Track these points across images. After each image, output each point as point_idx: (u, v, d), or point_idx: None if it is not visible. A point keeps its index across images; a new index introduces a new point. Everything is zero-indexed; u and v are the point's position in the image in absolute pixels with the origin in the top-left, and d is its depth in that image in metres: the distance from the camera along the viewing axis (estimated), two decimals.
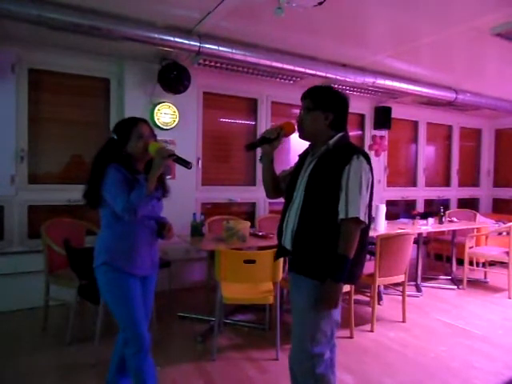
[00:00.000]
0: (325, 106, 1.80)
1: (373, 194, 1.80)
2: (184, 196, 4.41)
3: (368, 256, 4.28)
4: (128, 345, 1.99)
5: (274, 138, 1.88)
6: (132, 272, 1.96)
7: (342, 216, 1.68)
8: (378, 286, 3.77)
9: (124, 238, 1.96)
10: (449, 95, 5.12)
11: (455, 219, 5.09)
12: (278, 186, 2.00)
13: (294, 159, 2.09)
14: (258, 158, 2.01)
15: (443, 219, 4.74)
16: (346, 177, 1.69)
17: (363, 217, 1.68)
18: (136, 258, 1.98)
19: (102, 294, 2.03)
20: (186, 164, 1.93)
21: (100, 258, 1.97)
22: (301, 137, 1.88)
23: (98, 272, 1.98)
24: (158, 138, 4.40)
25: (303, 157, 1.94)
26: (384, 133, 5.95)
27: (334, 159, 1.75)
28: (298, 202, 1.79)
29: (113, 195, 1.87)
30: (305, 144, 1.95)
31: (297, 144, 2.06)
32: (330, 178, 1.72)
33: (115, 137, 2.00)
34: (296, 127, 1.90)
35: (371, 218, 1.84)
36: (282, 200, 2.00)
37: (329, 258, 1.69)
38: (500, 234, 5.25)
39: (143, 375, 2.01)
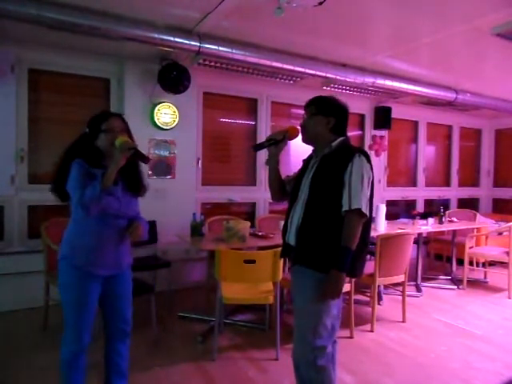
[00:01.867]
0: (327, 112, 1.93)
1: (373, 193, 1.90)
2: (184, 196, 4.42)
3: (368, 256, 4.30)
4: (65, 344, 1.95)
5: (280, 140, 2.00)
6: (91, 271, 1.92)
7: (345, 208, 1.78)
8: (378, 286, 3.77)
9: (86, 234, 1.92)
10: (449, 95, 5.13)
11: (455, 219, 5.09)
12: (284, 188, 2.09)
13: (295, 162, 2.14)
14: (263, 160, 2.06)
15: (443, 219, 4.74)
16: (349, 174, 1.80)
17: (365, 209, 1.78)
18: (97, 256, 1.93)
19: (58, 287, 1.98)
20: (143, 159, 1.94)
21: (61, 251, 1.95)
22: (304, 140, 2.00)
23: (59, 265, 1.96)
24: (159, 137, 4.48)
25: (307, 161, 2.04)
26: (384, 133, 5.96)
27: (336, 159, 1.86)
28: (303, 199, 1.89)
29: (72, 190, 1.86)
30: (306, 147, 2.04)
31: (298, 147, 2.10)
32: (334, 176, 1.83)
33: (87, 131, 1.98)
34: (300, 131, 2.00)
35: (372, 217, 1.93)
36: (285, 202, 2.08)
37: (332, 250, 1.77)
38: (500, 233, 5.25)
39: (69, 374, 1.97)
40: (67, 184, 1.88)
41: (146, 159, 1.94)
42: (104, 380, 2.17)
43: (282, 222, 2.05)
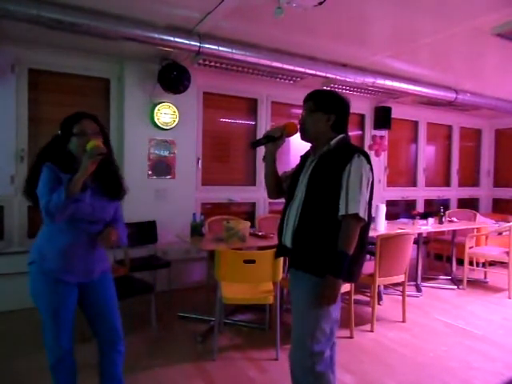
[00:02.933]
0: (327, 108, 1.84)
1: (373, 194, 1.82)
2: (184, 196, 4.42)
3: (368, 256, 4.29)
4: (47, 349, 1.92)
5: (278, 137, 1.91)
6: (60, 277, 1.85)
7: (342, 212, 1.70)
8: (378, 286, 3.77)
9: (56, 239, 1.85)
10: (449, 95, 5.12)
11: (455, 219, 5.09)
12: (281, 186, 2.02)
13: (294, 160, 2.09)
14: (262, 157, 2.01)
15: (443, 219, 4.74)
16: (347, 175, 1.72)
17: (363, 214, 1.70)
18: (66, 263, 1.85)
19: (30, 293, 1.90)
20: (110, 165, 1.88)
21: (31, 255, 1.89)
22: (302, 138, 1.91)
23: (29, 269, 1.89)
24: (159, 137, 4.48)
25: (305, 158, 1.97)
26: (384, 133, 5.96)
27: (335, 158, 1.78)
28: (299, 199, 1.83)
29: (40, 195, 1.77)
30: (305, 145, 1.97)
31: (298, 145, 2.06)
32: (331, 176, 1.75)
33: (59, 133, 1.89)
34: (298, 128, 1.93)
35: (371, 218, 1.87)
36: (282, 200, 2.01)
37: (329, 254, 1.71)
38: (500, 233, 5.25)
39: (57, 377, 1.95)
40: (37, 189, 1.80)
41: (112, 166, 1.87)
42: None
43: None
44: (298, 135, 1.94)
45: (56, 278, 1.85)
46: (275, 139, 1.92)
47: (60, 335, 1.89)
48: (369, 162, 1.79)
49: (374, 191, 1.84)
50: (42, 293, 1.87)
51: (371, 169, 1.80)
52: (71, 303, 1.92)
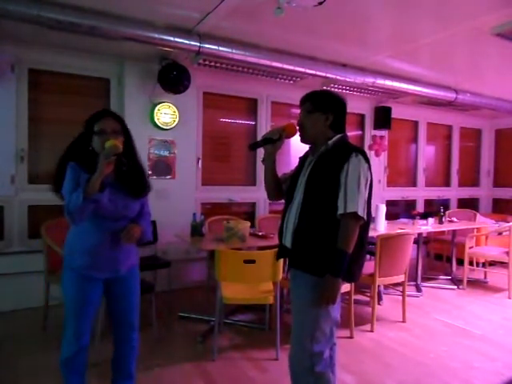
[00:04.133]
0: (325, 108, 1.84)
1: (371, 193, 1.82)
2: (184, 196, 4.42)
3: (368, 256, 4.30)
4: (65, 344, 1.95)
5: (277, 139, 1.90)
6: (88, 274, 1.90)
7: (340, 211, 1.71)
8: (378, 286, 3.76)
9: (83, 237, 1.89)
10: (449, 95, 5.13)
11: (455, 219, 5.09)
12: (280, 187, 2.02)
13: (294, 161, 2.09)
14: (261, 159, 2.00)
15: (443, 219, 4.74)
16: (345, 174, 1.72)
17: (362, 212, 1.70)
18: (93, 259, 1.89)
19: (61, 288, 1.97)
20: (121, 166, 1.85)
21: (63, 254, 1.97)
22: (302, 140, 1.91)
23: (63, 267, 1.97)
24: (159, 137, 4.48)
25: (304, 159, 1.97)
26: (384, 133, 5.95)
27: (333, 158, 1.78)
28: (299, 200, 1.83)
29: (63, 195, 1.81)
30: (305, 146, 1.96)
31: (298, 146, 2.06)
32: (329, 176, 1.75)
33: (83, 131, 1.92)
34: (297, 129, 1.92)
35: (370, 217, 1.86)
36: (282, 201, 2.01)
37: (328, 253, 1.71)
38: (500, 233, 5.25)
39: (68, 373, 1.97)
40: (62, 188, 1.83)
41: (124, 167, 1.85)
42: (111, 380, 2.16)
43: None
44: (297, 137, 1.93)
45: (83, 275, 1.90)
46: (274, 141, 1.90)
47: (80, 330, 1.93)
48: (367, 160, 1.79)
49: (372, 190, 1.84)
50: (69, 288, 1.93)
51: (369, 168, 1.80)
52: (95, 300, 1.97)
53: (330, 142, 1.82)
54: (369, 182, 1.78)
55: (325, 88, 4.61)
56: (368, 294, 3.64)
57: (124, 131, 1.95)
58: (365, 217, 1.73)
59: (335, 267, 1.69)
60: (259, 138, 2.01)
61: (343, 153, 1.77)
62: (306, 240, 1.78)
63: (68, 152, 1.92)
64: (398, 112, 5.86)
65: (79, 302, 1.92)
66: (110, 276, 1.98)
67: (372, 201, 1.85)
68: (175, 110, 4.28)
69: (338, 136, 1.85)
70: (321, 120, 1.83)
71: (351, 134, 5.67)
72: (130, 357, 2.13)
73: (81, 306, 1.93)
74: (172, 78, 3.96)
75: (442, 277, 5.16)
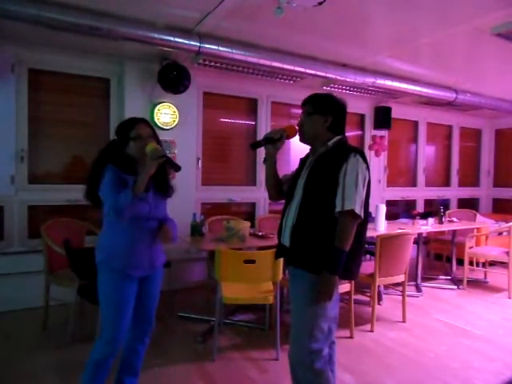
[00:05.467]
0: (324, 110, 1.89)
1: (369, 193, 1.86)
2: (184, 196, 4.40)
3: (368, 256, 4.30)
4: (101, 345, 1.97)
5: (278, 139, 1.95)
6: (128, 273, 1.96)
7: (338, 209, 1.74)
8: (378, 286, 3.77)
9: (121, 237, 1.97)
10: (449, 95, 5.13)
11: (455, 219, 5.09)
12: (281, 188, 2.06)
13: (294, 162, 2.12)
14: (262, 159, 2.04)
15: (443, 219, 4.74)
16: (343, 173, 1.77)
17: (359, 210, 1.74)
18: (132, 258, 1.98)
19: (98, 291, 2.02)
20: (176, 168, 1.95)
21: (98, 256, 2.01)
22: (301, 140, 1.97)
23: (97, 269, 2.01)
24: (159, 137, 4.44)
25: (304, 160, 2.01)
26: (384, 133, 5.95)
27: (332, 158, 1.83)
28: (298, 199, 1.87)
29: (104, 195, 1.91)
30: (305, 146, 2.01)
31: (298, 146, 2.08)
32: (328, 175, 1.79)
33: (116, 138, 2.04)
34: (297, 130, 1.97)
35: (368, 216, 1.90)
36: (283, 201, 2.04)
37: (326, 251, 1.74)
38: (500, 234, 5.25)
39: (97, 374, 1.97)
40: (100, 190, 1.92)
41: (177, 168, 1.95)
42: (115, 377, 2.18)
43: None
44: (297, 137, 1.98)
45: (123, 274, 1.96)
46: (275, 141, 1.96)
47: (120, 331, 1.97)
48: (365, 160, 1.84)
49: (371, 190, 1.87)
50: (109, 289, 1.98)
51: (367, 168, 1.84)
52: (133, 299, 2.03)
53: (329, 143, 1.87)
54: (367, 182, 1.82)
55: (326, 89, 4.63)
56: (368, 294, 3.64)
57: (154, 135, 2.07)
58: (362, 215, 1.76)
59: (332, 264, 1.72)
60: (259, 137, 2.04)
61: (342, 153, 1.82)
62: (303, 238, 1.82)
63: (102, 158, 2.02)
64: (398, 112, 5.85)
65: (120, 302, 1.97)
66: (146, 273, 2.06)
67: (370, 200, 1.89)
68: (175, 110, 4.28)
69: (338, 137, 1.90)
70: (320, 122, 1.89)
71: (351, 134, 5.67)
72: (141, 353, 2.19)
73: (122, 307, 1.97)
74: (172, 77, 3.96)
75: (441, 277, 5.16)
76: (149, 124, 2.07)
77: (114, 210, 1.85)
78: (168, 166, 1.98)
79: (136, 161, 1.99)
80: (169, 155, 1.95)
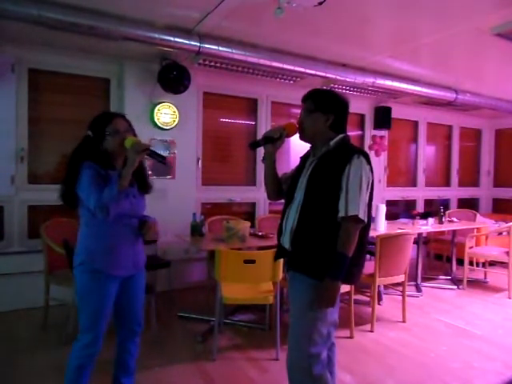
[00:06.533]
0: (325, 108, 1.81)
1: (373, 195, 1.81)
2: (184, 196, 4.42)
3: (368, 256, 4.29)
4: (81, 347, 1.93)
5: (277, 138, 1.89)
6: (111, 273, 1.91)
7: (341, 214, 1.69)
8: (378, 286, 3.76)
9: (103, 237, 1.91)
10: (449, 95, 5.13)
11: (455, 219, 5.09)
12: (280, 187, 2.01)
13: (294, 161, 2.08)
14: (261, 158, 1.99)
15: (443, 219, 4.74)
16: (346, 176, 1.70)
17: (363, 215, 1.69)
18: (116, 257, 1.93)
19: (76, 293, 1.96)
20: (161, 159, 1.90)
21: (78, 257, 1.93)
22: (301, 138, 1.89)
23: (76, 271, 1.94)
24: (159, 137, 4.48)
25: (304, 159, 1.95)
26: (384, 133, 5.95)
27: (334, 159, 1.76)
28: (299, 201, 1.81)
29: (86, 193, 1.83)
30: (305, 145, 1.95)
31: (298, 145, 2.05)
32: (331, 178, 1.73)
33: (91, 134, 1.95)
34: (297, 128, 1.90)
35: (371, 218, 1.85)
36: (282, 201, 2.00)
37: (327, 256, 1.70)
38: (500, 233, 5.25)
39: (79, 379, 1.94)
40: (79, 188, 1.85)
41: (163, 159, 1.91)
42: (112, 377, 2.18)
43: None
44: (297, 136, 1.92)
45: (105, 275, 1.90)
46: (274, 140, 1.89)
47: (99, 335, 1.94)
48: (369, 162, 1.77)
49: (374, 192, 1.82)
50: (88, 292, 1.92)
51: (371, 169, 1.78)
52: (112, 300, 1.98)
53: (331, 143, 1.80)
54: (370, 184, 1.76)
55: (327, 87, 4.62)
56: (368, 294, 3.64)
57: (131, 129, 2.02)
58: (365, 220, 1.72)
59: (335, 271, 1.68)
60: (259, 137, 2.00)
61: (345, 154, 1.75)
62: (305, 242, 1.77)
63: (77, 154, 1.95)
64: (398, 112, 5.86)
65: (101, 305, 1.92)
66: (129, 273, 2.01)
67: (373, 202, 1.84)
68: (175, 110, 4.28)
69: (340, 136, 1.82)
70: (321, 120, 1.81)
71: (351, 134, 5.63)
72: (134, 353, 2.16)
73: (102, 308, 1.92)
74: (172, 77, 3.96)
75: (441, 277, 5.16)
76: (125, 118, 2.02)
77: (99, 208, 1.77)
78: (154, 159, 1.91)
79: (113, 156, 1.94)
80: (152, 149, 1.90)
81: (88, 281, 1.91)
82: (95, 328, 1.92)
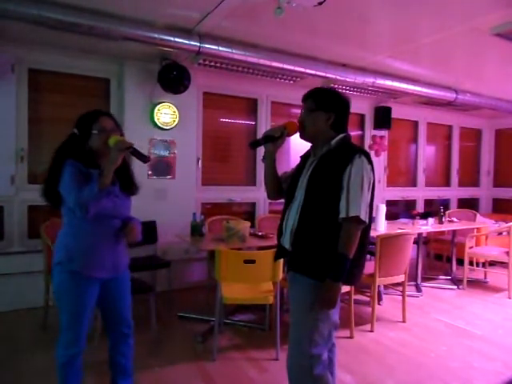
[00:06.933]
0: (327, 107, 1.80)
1: (374, 194, 1.80)
2: (184, 196, 4.42)
3: (368, 256, 4.29)
4: (62, 347, 1.92)
5: (278, 137, 1.88)
6: (89, 274, 1.88)
7: (342, 215, 1.67)
8: (378, 286, 3.76)
9: (82, 236, 1.88)
10: (449, 95, 5.13)
11: (455, 219, 5.09)
12: (280, 186, 1.99)
13: (294, 160, 2.07)
14: (261, 157, 1.98)
15: (443, 219, 4.74)
16: (348, 176, 1.69)
17: (364, 216, 1.68)
18: (94, 258, 1.90)
19: (54, 292, 1.95)
20: (143, 158, 1.88)
21: (56, 256, 1.91)
22: (302, 137, 1.88)
23: (53, 271, 1.92)
24: (159, 137, 4.48)
25: (305, 158, 1.94)
26: (384, 133, 5.95)
27: (335, 159, 1.75)
28: (299, 201, 1.79)
29: (66, 191, 1.81)
30: (306, 145, 1.94)
31: (298, 144, 2.04)
32: (332, 178, 1.72)
33: (76, 132, 1.94)
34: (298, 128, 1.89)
35: (372, 219, 1.84)
36: (282, 200, 1.99)
37: (328, 257, 1.69)
38: (500, 234, 5.25)
39: (66, 378, 1.94)
40: (60, 185, 1.84)
41: (145, 158, 1.89)
42: (110, 380, 2.17)
43: None
44: (297, 135, 1.90)
45: (84, 276, 1.88)
46: (275, 139, 1.88)
47: (80, 335, 1.92)
48: (370, 161, 1.75)
49: (374, 192, 1.81)
50: (66, 293, 1.90)
51: (372, 169, 1.76)
52: (93, 301, 1.96)
53: (332, 142, 1.78)
54: (371, 184, 1.75)
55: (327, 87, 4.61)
56: (368, 294, 3.63)
57: (118, 128, 2.00)
58: (367, 220, 1.71)
59: (336, 272, 1.67)
60: (259, 137, 2.00)
61: (346, 154, 1.73)
62: (305, 242, 1.76)
63: (61, 152, 1.93)
64: (398, 112, 5.86)
65: (80, 304, 1.90)
66: (110, 275, 1.97)
67: (374, 202, 1.82)
68: (175, 110, 4.28)
69: (341, 136, 1.81)
70: (322, 119, 1.80)
71: (351, 134, 5.66)
72: (128, 354, 2.14)
73: (82, 309, 1.90)
74: (172, 78, 3.96)
75: (441, 277, 5.16)
76: (112, 117, 2.00)
77: (79, 206, 1.75)
78: (137, 157, 1.88)
79: (97, 154, 1.91)
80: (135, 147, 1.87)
81: (66, 281, 1.88)
82: (76, 328, 1.90)
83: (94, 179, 1.78)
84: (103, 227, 1.91)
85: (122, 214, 1.99)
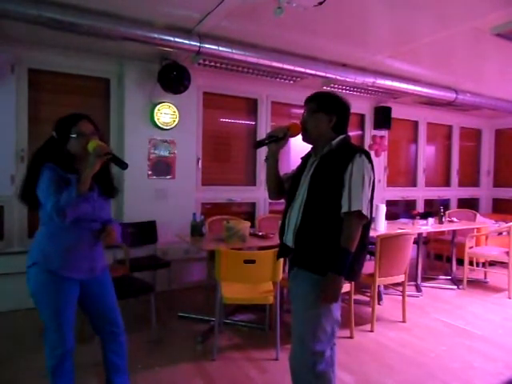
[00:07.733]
0: (328, 109, 1.86)
1: (374, 193, 1.84)
2: (184, 196, 4.42)
3: (368, 256, 4.30)
4: (50, 349, 1.92)
5: (281, 137, 1.93)
6: (65, 275, 1.87)
7: (344, 210, 1.72)
8: (378, 286, 3.77)
9: (59, 238, 1.87)
10: (449, 95, 5.13)
11: (455, 219, 5.09)
12: (282, 186, 2.03)
13: (295, 161, 2.10)
14: (263, 159, 2.01)
15: (443, 219, 4.74)
16: (349, 174, 1.74)
17: (366, 211, 1.72)
18: (71, 260, 1.89)
19: (31, 294, 1.91)
20: (121, 165, 1.87)
21: (32, 257, 1.89)
22: (304, 139, 1.93)
23: (28, 272, 1.90)
24: (159, 137, 4.48)
25: (306, 159, 1.98)
26: (384, 133, 5.96)
27: (336, 158, 1.80)
28: (301, 199, 1.83)
29: (44, 195, 1.79)
30: (305, 146, 1.98)
31: (298, 146, 2.07)
32: (333, 176, 1.77)
33: (55, 135, 1.92)
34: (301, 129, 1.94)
35: (372, 217, 1.87)
36: (283, 201, 2.02)
37: (330, 252, 1.72)
38: (500, 233, 5.25)
39: (57, 379, 1.94)
40: (38, 189, 1.82)
41: (124, 165, 1.87)
42: (105, 379, 2.17)
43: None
44: (298, 136, 1.95)
45: (61, 277, 1.87)
46: (279, 139, 1.93)
47: (65, 335, 1.91)
48: (370, 161, 1.81)
49: (374, 191, 1.85)
50: (45, 293, 1.88)
51: (372, 168, 1.82)
52: (74, 301, 1.95)
53: (333, 143, 1.84)
54: (372, 182, 1.80)
55: (326, 89, 4.62)
56: (368, 294, 3.64)
57: (97, 131, 1.98)
58: (368, 216, 1.75)
59: (338, 265, 1.70)
60: (259, 137, 2.01)
61: (347, 153, 1.79)
62: (308, 238, 1.79)
63: (39, 155, 1.91)
64: (398, 112, 5.86)
65: (60, 303, 1.89)
66: (86, 277, 1.96)
67: (373, 201, 1.86)
68: (175, 109, 4.28)
69: (342, 137, 1.87)
70: (324, 121, 1.85)
71: (351, 134, 5.66)
72: (120, 352, 2.12)
73: (63, 308, 1.89)
74: (172, 77, 3.96)
75: (441, 277, 5.16)
76: (91, 120, 1.97)
77: (56, 212, 1.72)
78: (115, 164, 1.88)
79: (76, 158, 1.90)
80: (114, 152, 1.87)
81: (44, 281, 1.87)
82: (58, 328, 1.90)
83: (72, 185, 1.76)
84: (81, 230, 1.90)
85: (101, 218, 1.98)
